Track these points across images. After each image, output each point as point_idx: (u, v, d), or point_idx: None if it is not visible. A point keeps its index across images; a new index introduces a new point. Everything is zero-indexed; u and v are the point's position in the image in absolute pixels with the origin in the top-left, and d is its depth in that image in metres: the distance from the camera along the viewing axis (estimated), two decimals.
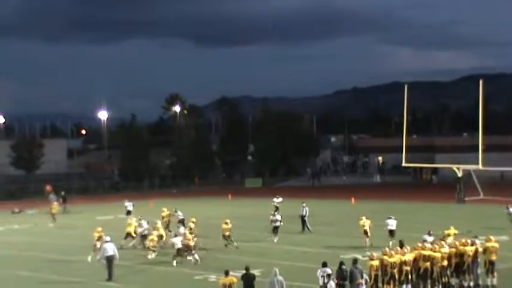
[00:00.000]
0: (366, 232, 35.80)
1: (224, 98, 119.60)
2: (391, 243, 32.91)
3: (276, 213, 41.10)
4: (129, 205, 51.55)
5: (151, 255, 33.57)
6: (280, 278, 21.64)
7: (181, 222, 40.43)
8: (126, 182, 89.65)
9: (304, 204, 43.26)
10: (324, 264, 22.20)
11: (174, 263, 31.81)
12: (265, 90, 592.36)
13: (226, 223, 36.50)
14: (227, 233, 36.22)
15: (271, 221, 39.17)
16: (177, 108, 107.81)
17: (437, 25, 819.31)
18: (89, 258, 32.97)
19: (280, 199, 51.74)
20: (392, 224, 36.12)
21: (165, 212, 42.95)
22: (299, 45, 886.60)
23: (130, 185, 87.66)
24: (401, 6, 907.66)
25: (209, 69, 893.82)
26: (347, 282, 22.24)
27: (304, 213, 42.84)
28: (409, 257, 23.62)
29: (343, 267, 22.50)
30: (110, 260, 29.38)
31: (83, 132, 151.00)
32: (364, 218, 36.73)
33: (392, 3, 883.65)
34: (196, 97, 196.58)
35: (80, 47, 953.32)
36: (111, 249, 29.66)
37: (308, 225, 42.74)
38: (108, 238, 30.85)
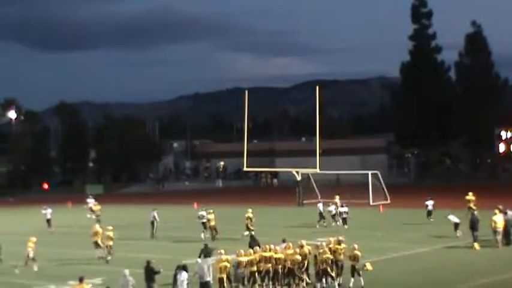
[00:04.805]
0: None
1: (63, 104, 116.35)
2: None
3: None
4: (47, 213, 47.42)
5: None
6: (130, 278, 22.17)
7: None
8: None
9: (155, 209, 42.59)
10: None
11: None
12: (106, 96, 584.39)
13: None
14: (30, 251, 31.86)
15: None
16: (12, 114, 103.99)
17: (275, 32, 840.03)
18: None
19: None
20: None
21: None
22: (140, 50, 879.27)
23: None
24: (240, 13, 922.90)
25: (48, 74, 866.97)
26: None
27: (156, 218, 41.85)
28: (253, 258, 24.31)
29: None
30: None
31: None
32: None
33: (232, 10, 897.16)
34: (34, 102, 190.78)
35: None
36: None
37: (154, 231, 41.74)
38: None
